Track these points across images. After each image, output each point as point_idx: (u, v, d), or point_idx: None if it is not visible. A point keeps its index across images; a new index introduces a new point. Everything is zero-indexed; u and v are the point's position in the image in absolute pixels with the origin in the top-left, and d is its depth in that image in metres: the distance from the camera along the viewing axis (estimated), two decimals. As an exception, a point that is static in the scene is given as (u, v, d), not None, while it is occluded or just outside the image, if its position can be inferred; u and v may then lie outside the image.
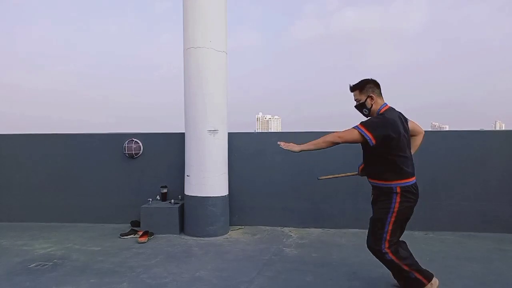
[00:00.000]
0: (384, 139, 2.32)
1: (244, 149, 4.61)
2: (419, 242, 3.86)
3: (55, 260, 3.33)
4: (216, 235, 4.11)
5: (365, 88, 2.49)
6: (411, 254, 2.50)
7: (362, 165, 2.71)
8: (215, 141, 4.08)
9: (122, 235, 4.09)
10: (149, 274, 2.98)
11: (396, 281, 2.69)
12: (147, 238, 3.94)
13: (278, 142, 2.57)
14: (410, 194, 2.41)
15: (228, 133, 4.33)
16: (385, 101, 2.52)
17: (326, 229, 4.37)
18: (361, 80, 2.53)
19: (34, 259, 3.36)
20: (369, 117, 2.50)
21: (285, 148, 2.52)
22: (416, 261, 2.47)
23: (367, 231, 2.56)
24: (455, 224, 4.22)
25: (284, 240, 3.98)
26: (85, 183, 4.80)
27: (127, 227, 4.46)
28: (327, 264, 3.22)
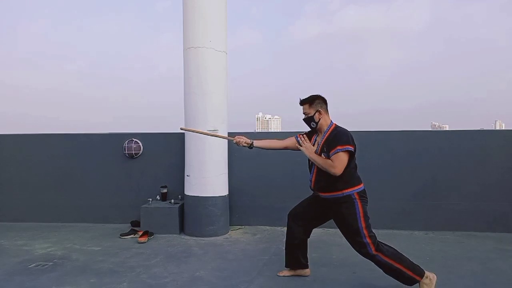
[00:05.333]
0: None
1: (244, 149, 4.59)
2: (419, 241, 3.86)
3: (55, 260, 3.33)
4: (216, 235, 4.12)
5: (314, 103, 2.64)
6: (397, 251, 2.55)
7: (314, 178, 2.68)
8: (215, 141, 4.08)
9: (122, 235, 4.09)
10: (149, 274, 2.98)
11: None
12: (147, 238, 3.94)
13: (298, 136, 2.73)
14: (365, 197, 2.61)
15: (228, 133, 4.33)
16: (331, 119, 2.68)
17: (326, 229, 4.36)
18: (310, 96, 2.68)
19: (34, 259, 3.36)
20: (333, 134, 2.58)
21: (300, 146, 2.65)
22: (404, 256, 2.52)
23: None
24: (455, 224, 4.22)
25: (284, 240, 3.97)
26: (85, 183, 4.80)
27: (127, 227, 4.45)
28: (327, 264, 3.22)
